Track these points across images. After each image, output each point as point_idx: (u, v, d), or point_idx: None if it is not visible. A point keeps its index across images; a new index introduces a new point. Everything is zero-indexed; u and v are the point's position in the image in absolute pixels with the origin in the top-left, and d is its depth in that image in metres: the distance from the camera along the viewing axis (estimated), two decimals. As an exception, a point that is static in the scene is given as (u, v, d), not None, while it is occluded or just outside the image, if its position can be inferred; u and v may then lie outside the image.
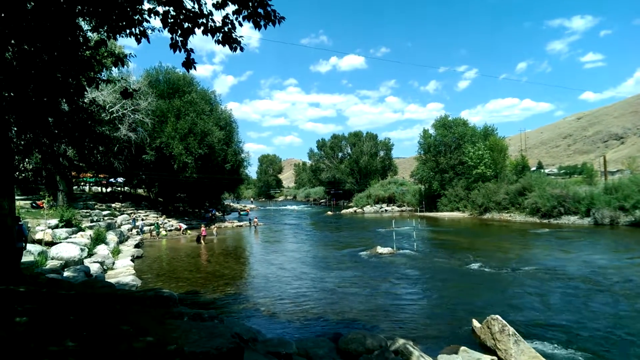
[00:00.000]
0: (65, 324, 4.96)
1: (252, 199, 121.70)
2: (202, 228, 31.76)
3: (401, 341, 8.64)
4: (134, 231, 32.16)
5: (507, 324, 8.70)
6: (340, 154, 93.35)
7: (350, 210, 65.55)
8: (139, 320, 5.52)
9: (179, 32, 5.84)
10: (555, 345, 9.26)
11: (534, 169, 69.37)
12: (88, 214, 28.44)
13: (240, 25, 5.91)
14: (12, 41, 6.69)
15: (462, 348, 8.59)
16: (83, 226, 23.20)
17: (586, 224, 33.25)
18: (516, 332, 8.54)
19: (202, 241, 28.99)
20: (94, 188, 50.45)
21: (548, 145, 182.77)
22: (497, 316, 9.00)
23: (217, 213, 48.90)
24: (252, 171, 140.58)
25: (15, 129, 8.55)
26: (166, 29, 5.87)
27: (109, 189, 49.17)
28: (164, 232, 34.03)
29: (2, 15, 6.05)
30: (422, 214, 51.96)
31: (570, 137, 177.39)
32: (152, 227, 33.96)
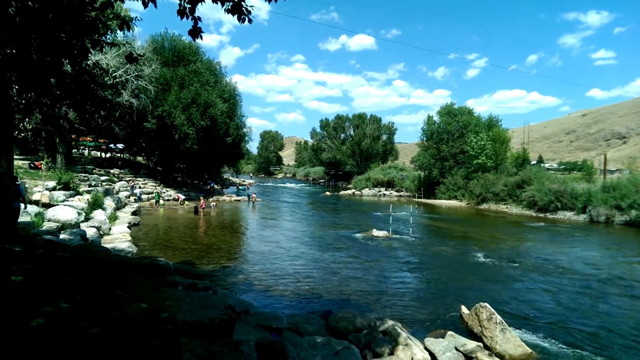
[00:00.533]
0: (60, 286, 4.99)
1: (251, 174, 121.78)
2: (201, 200, 31.85)
3: (390, 322, 8.74)
4: (132, 198, 32.24)
5: (495, 312, 8.80)
6: (342, 135, 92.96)
7: (349, 192, 65.63)
8: (133, 287, 5.56)
9: (188, -2, 5.72)
10: (541, 335, 9.41)
11: (534, 162, 69.34)
12: (86, 178, 28.44)
13: (251, -6, 5.79)
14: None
15: (449, 333, 8.71)
16: (81, 190, 23.21)
17: (581, 221, 33.39)
18: (503, 321, 8.64)
19: (201, 213, 29.10)
20: (93, 152, 50.33)
21: (551, 139, 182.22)
22: (486, 304, 9.10)
23: (215, 186, 48.96)
24: (253, 146, 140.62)
25: (16, 87, 8.46)
26: (175, -6, 5.75)
27: (108, 155, 49.07)
28: (161, 202, 34.11)
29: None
30: (419, 200, 52.07)
31: (574, 133, 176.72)
32: (153, 195, 33.97)
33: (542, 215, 36.65)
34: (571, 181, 40.30)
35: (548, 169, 71.79)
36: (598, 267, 16.86)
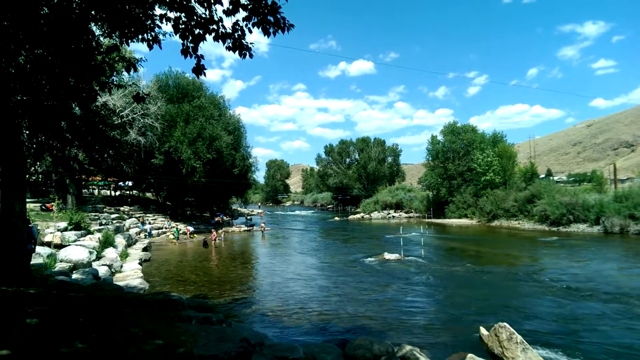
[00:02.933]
0: (75, 326, 5.00)
1: (259, 204, 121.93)
2: (213, 232, 31.91)
3: (408, 347, 8.60)
4: (142, 234, 32.33)
5: (515, 332, 8.63)
6: (348, 160, 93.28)
7: (358, 216, 65.41)
8: (148, 323, 5.55)
9: (190, 37, 5.91)
10: (563, 354, 9.17)
11: (542, 176, 68.95)
12: (97, 217, 28.64)
13: (250, 32, 5.96)
14: (26, 46, 6.80)
15: (470, 355, 8.52)
16: (92, 229, 23.35)
17: (595, 233, 32.91)
18: (524, 340, 8.47)
19: (212, 245, 29.05)
20: (102, 191, 50.81)
21: (557, 152, 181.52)
22: (505, 324, 8.94)
23: (224, 217, 49.02)
24: (259, 176, 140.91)
25: (27, 132, 8.66)
26: (177, 35, 5.93)
27: (117, 193, 49.49)
28: (171, 236, 34.16)
29: (17, 20, 6.15)
30: (429, 220, 51.73)
31: (580, 144, 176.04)
32: (172, 231, 33.84)
33: (554, 229, 36.18)
34: (582, 193, 39.95)
35: (557, 181, 71.21)
36: (617, 280, 16.55)
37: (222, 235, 34.17)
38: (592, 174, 67.49)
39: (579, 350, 9.38)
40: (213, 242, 29.75)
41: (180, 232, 36.99)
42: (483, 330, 10.08)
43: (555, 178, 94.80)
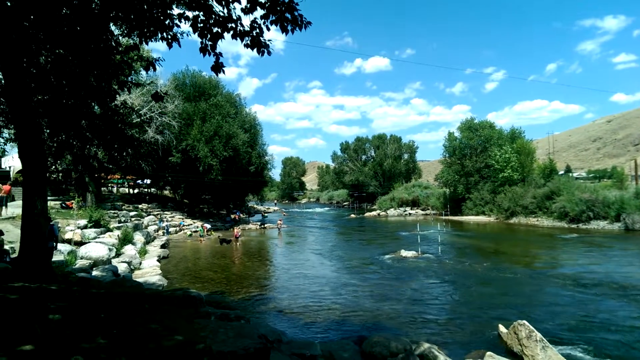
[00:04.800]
0: (96, 322, 5.08)
1: (275, 201, 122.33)
2: (235, 230, 32.00)
3: (426, 345, 8.54)
4: (160, 232, 32.70)
5: (535, 330, 8.52)
6: (363, 157, 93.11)
7: (374, 213, 65.15)
8: (167, 319, 5.61)
9: (209, 36, 5.94)
10: (583, 351, 9.03)
11: (561, 172, 67.79)
12: (116, 214, 29.06)
13: (268, 29, 5.97)
14: (47, 46, 6.91)
15: (488, 353, 8.44)
16: (111, 226, 23.70)
17: (616, 230, 32.29)
18: (543, 338, 8.36)
19: (235, 242, 29.09)
20: (121, 189, 51.58)
21: (577, 148, 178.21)
22: (524, 322, 8.83)
23: (241, 215, 49.33)
24: (275, 173, 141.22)
25: (48, 131, 8.81)
26: (196, 33, 5.97)
27: (135, 190, 50.15)
28: (188, 233, 34.50)
29: (38, 21, 6.26)
30: (446, 217, 51.24)
31: (600, 140, 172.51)
32: (199, 230, 33.88)
33: (574, 226, 35.56)
34: (602, 189, 39.19)
35: (577, 178, 69.95)
36: (637, 277, 16.20)
37: (239, 233, 34.34)
38: (613, 170, 66.14)
39: (599, 349, 9.23)
40: (236, 239, 29.69)
41: (198, 229, 37.37)
42: (502, 328, 9.97)
43: (575, 174, 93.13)
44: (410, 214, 62.50)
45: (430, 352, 8.15)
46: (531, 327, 8.62)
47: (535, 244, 27.73)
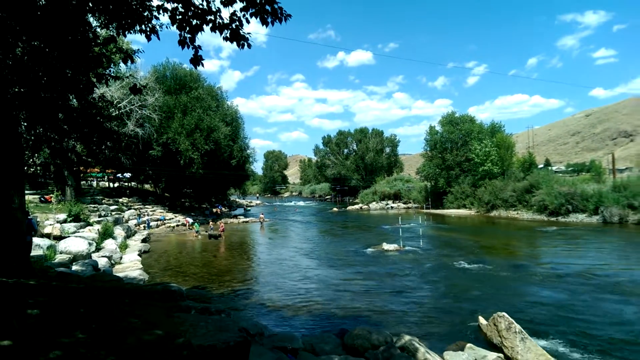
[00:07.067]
0: (75, 317, 5.03)
1: (257, 195, 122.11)
2: (221, 224, 31.73)
3: (407, 337, 8.66)
4: (141, 226, 32.37)
5: (514, 322, 8.70)
6: (346, 151, 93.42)
7: (356, 206, 65.52)
8: (147, 314, 5.59)
9: (187, 28, 5.88)
10: (562, 343, 9.25)
11: (541, 166, 69.05)
12: (96, 208, 28.65)
13: (248, 22, 5.94)
14: (23, 37, 6.76)
15: (468, 345, 8.60)
16: (91, 221, 23.39)
17: (594, 222, 33.05)
18: (522, 330, 8.53)
19: (222, 237, 28.77)
20: (101, 183, 50.77)
21: (556, 142, 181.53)
22: (504, 313, 9.01)
23: (223, 209, 49.10)
24: (257, 167, 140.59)
25: (25, 124, 8.64)
26: (174, 26, 5.91)
27: (116, 184, 49.49)
28: (172, 227, 34.26)
29: (14, 11, 6.12)
30: (428, 211, 51.82)
31: (579, 134, 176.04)
32: (194, 225, 33.21)
33: (553, 219, 36.30)
34: (580, 183, 40.03)
35: (556, 171, 71.33)
36: (615, 269, 16.64)
37: (221, 227, 34.17)
38: (591, 163, 67.46)
39: (577, 340, 9.46)
40: (222, 232, 29.42)
41: (180, 223, 37.09)
42: (482, 320, 10.15)
43: (554, 168, 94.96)
44: (392, 207, 62.97)
45: (411, 344, 8.27)
46: (510, 319, 8.79)
47: (515, 236, 28.23)
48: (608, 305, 12.09)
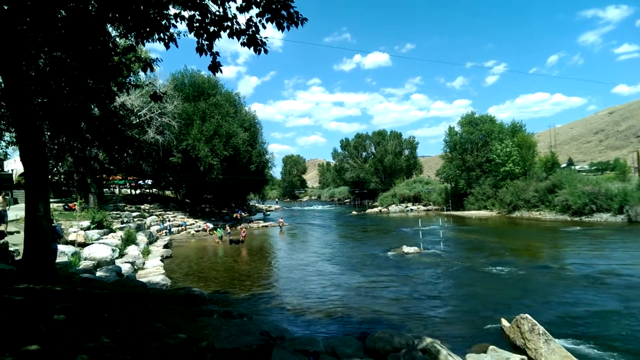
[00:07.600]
0: (100, 322, 5.12)
1: (276, 200, 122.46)
2: (243, 229, 31.74)
3: (428, 340, 8.58)
4: (163, 232, 32.78)
5: (537, 323, 8.55)
6: (364, 154, 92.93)
7: (375, 209, 65.17)
8: (170, 318, 5.65)
9: (205, 35, 5.96)
10: (587, 344, 9.05)
11: (564, 165, 67.74)
12: (118, 215, 29.15)
13: (264, 27, 5.98)
14: (45, 49, 6.94)
15: (491, 347, 8.47)
16: (114, 227, 23.79)
17: (619, 222, 32.26)
18: (546, 332, 8.38)
19: (244, 242, 28.56)
20: (123, 190, 51.70)
21: (579, 140, 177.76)
22: (527, 315, 8.86)
23: (242, 214, 49.43)
24: (276, 172, 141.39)
25: (48, 134, 8.85)
26: (192, 33, 5.99)
27: (137, 191, 50.27)
28: (192, 232, 34.67)
29: (35, 24, 6.28)
30: (448, 213, 51.27)
31: (602, 132, 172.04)
32: (217, 230, 33.23)
33: (577, 219, 35.53)
34: (605, 181, 39.15)
35: (579, 170, 69.81)
36: (641, 268, 16.21)
37: (243, 232, 34.28)
38: (615, 162, 65.96)
39: (602, 341, 9.24)
40: (243, 238, 29.09)
41: (200, 228, 37.43)
42: (504, 322, 10.00)
43: (577, 167, 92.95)
44: (411, 209, 62.47)
45: (433, 346, 8.19)
46: (534, 320, 8.65)
47: (538, 237, 27.73)
48: (633, 307, 11.77)
